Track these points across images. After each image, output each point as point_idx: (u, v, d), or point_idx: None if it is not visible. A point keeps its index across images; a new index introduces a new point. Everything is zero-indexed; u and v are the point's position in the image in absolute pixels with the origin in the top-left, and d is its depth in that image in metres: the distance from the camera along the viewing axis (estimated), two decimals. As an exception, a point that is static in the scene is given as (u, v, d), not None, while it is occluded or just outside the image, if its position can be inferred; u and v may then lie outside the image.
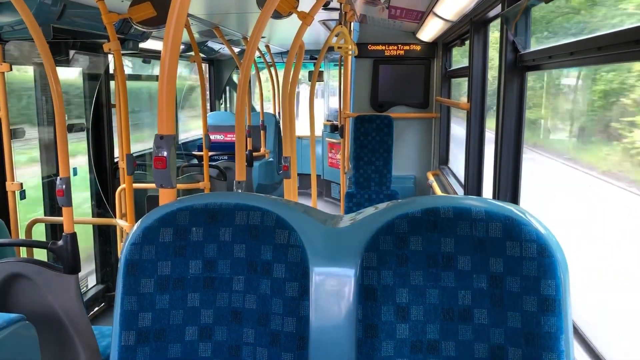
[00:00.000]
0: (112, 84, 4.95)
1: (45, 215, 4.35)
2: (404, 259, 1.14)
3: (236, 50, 6.39)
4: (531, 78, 2.80)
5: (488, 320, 1.10)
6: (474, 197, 1.20)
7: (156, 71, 6.77)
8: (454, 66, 5.38)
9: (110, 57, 4.73)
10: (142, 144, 6.33)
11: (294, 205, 1.27)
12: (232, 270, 1.21)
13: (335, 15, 4.75)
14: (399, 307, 1.13)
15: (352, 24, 5.61)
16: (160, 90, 1.58)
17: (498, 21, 3.11)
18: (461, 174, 4.36)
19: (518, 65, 2.67)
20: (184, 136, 7.91)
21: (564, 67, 2.51)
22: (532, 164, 2.98)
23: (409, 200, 1.19)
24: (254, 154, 6.58)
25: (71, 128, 4.62)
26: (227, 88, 9.06)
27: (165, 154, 1.60)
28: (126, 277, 1.18)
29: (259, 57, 7.59)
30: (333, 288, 1.16)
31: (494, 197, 2.89)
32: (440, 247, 1.13)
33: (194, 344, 1.20)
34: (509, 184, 2.78)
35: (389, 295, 1.14)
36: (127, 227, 3.82)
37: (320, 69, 9.04)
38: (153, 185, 4.61)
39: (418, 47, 5.89)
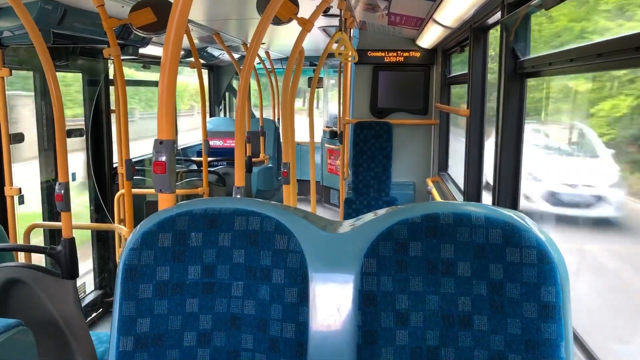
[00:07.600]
0: (112, 89, 4.96)
1: (43, 220, 4.34)
2: (404, 265, 1.13)
3: (236, 56, 6.40)
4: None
5: (488, 326, 1.10)
6: (474, 203, 1.20)
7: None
8: (453, 72, 5.39)
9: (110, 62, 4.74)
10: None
11: (294, 210, 1.26)
12: (231, 276, 1.20)
13: (335, 21, 4.75)
14: (399, 313, 1.13)
15: (351, 30, 5.62)
16: (161, 95, 1.58)
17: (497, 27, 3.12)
18: (460, 181, 4.36)
19: (518, 72, 2.67)
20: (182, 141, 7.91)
21: (564, 74, 2.51)
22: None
23: (409, 206, 1.18)
24: (253, 159, 6.58)
25: (70, 133, 4.62)
26: (227, 94, 9.07)
27: (164, 158, 1.60)
28: (125, 282, 1.18)
29: (259, 63, 7.59)
30: (332, 294, 1.15)
31: (493, 204, 2.89)
32: (440, 253, 1.13)
33: (192, 349, 1.19)
34: (509, 190, 2.78)
35: (388, 302, 1.13)
36: (125, 232, 3.81)
37: (320, 76, 9.05)
38: (152, 190, 4.61)
39: (418, 54, 5.90)
